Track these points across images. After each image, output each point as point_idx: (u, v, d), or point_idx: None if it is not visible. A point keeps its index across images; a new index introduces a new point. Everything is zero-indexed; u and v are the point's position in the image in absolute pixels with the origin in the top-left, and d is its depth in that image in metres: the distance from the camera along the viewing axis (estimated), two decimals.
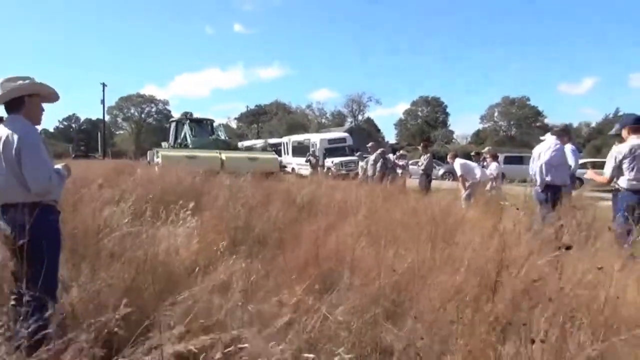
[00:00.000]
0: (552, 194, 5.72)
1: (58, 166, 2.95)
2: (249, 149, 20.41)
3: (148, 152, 16.65)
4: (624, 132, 5.02)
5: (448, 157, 10.93)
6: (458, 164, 9.71)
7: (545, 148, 6.02)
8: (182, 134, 16.21)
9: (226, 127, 18.53)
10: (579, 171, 8.34)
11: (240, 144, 24.97)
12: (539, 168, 5.91)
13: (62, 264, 3.01)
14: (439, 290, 2.93)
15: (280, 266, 3.64)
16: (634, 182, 4.73)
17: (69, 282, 3.04)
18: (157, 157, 12.74)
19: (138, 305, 2.68)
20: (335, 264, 3.62)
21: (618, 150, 4.89)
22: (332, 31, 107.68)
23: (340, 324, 2.64)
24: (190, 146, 14.77)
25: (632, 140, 4.86)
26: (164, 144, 18.41)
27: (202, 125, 17.26)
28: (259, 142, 22.36)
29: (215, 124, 17.79)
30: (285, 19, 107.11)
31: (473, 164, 10.15)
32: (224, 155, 12.76)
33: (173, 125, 18.00)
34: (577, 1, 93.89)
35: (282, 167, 19.02)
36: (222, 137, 16.22)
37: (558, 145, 6.00)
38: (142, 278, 3.22)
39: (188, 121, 16.22)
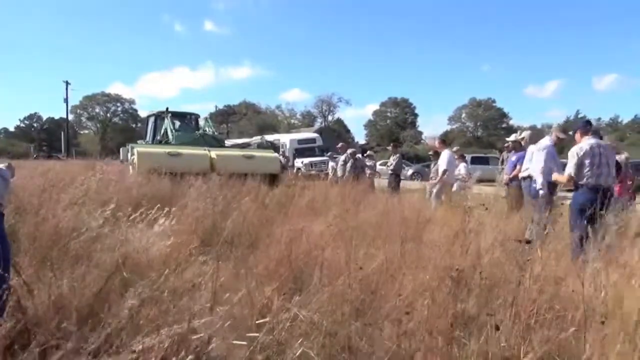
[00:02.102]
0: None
1: (1, 166, 2.75)
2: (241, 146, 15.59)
3: (121, 149, 14.01)
4: (577, 136, 5.24)
5: (436, 142, 10.59)
6: (447, 154, 9.41)
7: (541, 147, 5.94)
8: (162, 129, 13.55)
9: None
10: None
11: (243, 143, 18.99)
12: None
13: (25, 268, 2.91)
14: (408, 288, 2.97)
15: (251, 267, 3.62)
16: (592, 179, 4.90)
17: (31, 286, 2.94)
18: (133, 154, 10.20)
19: (104, 308, 2.62)
20: (305, 264, 3.62)
21: (580, 147, 5.03)
22: (305, 30, 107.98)
23: (311, 324, 2.65)
24: (173, 143, 12.05)
25: (589, 139, 5.06)
26: (140, 142, 15.23)
27: (185, 120, 14.64)
28: (255, 139, 17.64)
29: (200, 119, 15.34)
30: (257, 18, 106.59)
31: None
32: (213, 153, 10.38)
33: (151, 120, 15.20)
34: (546, 6, 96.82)
35: (284, 167, 15.55)
36: (211, 132, 13.35)
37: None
38: (109, 281, 3.15)
39: (169, 115, 13.44)
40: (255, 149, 13.72)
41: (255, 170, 9.62)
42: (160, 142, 12.99)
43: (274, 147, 14.31)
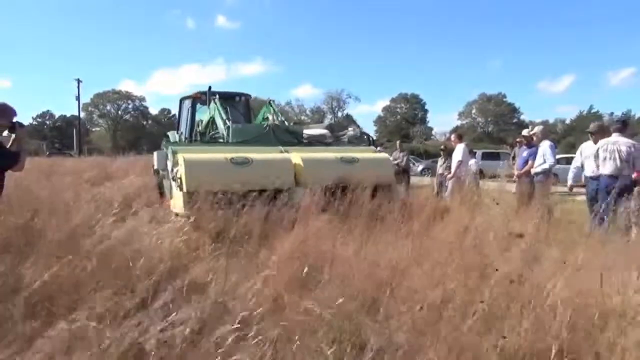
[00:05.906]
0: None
1: None
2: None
3: (155, 152, 7.74)
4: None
5: (452, 137, 10.56)
6: (462, 147, 9.45)
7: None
8: (208, 118, 8.99)
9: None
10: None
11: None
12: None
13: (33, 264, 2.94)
14: (420, 284, 2.96)
15: (261, 262, 3.62)
16: (603, 170, 5.88)
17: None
18: (177, 163, 6.07)
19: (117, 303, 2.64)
20: (316, 260, 3.61)
21: (595, 145, 6.10)
22: (317, 25, 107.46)
23: (321, 319, 2.65)
24: (230, 139, 7.64)
25: (609, 137, 6.01)
26: (172, 134, 11.20)
27: (234, 105, 9.99)
28: (347, 132, 9.68)
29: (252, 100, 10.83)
30: (269, 13, 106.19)
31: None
32: (296, 155, 6.69)
33: (186, 104, 10.68)
34: (562, 1, 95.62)
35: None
36: (280, 122, 8.80)
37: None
38: (121, 276, 3.17)
39: (216, 96, 8.79)
40: (348, 145, 8.56)
41: (360, 180, 6.02)
42: (202, 137, 8.93)
43: (372, 141, 9.03)
